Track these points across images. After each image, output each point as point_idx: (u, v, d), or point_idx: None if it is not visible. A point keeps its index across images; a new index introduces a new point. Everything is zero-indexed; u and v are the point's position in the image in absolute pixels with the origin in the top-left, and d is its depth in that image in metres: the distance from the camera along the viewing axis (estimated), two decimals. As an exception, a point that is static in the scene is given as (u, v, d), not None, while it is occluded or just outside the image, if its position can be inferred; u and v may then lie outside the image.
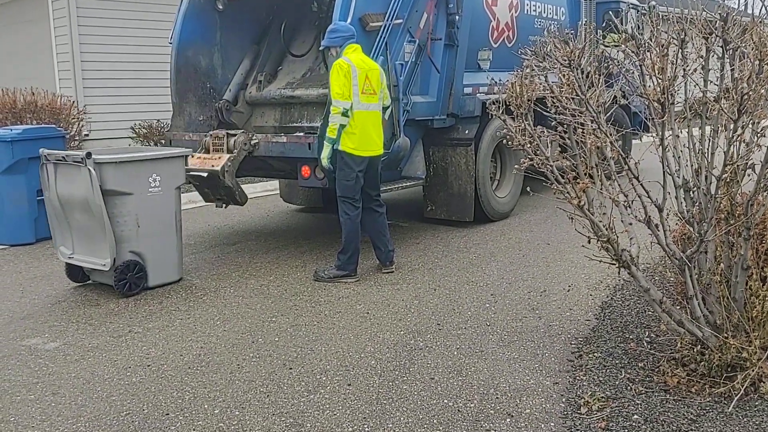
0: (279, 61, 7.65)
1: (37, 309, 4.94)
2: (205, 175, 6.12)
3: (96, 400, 3.61)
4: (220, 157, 6.17)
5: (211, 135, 6.44)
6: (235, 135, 6.31)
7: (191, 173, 6.05)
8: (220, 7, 7.28)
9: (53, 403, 3.59)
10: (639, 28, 10.17)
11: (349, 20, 5.90)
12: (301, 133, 6.41)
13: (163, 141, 9.06)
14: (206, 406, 3.51)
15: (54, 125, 8.85)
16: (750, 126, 3.29)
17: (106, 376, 3.90)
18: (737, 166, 3.31)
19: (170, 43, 7.12)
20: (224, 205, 6.52)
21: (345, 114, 5.39)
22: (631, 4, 10.79)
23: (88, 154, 5.00)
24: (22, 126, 8.35)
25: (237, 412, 3.44)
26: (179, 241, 5.61)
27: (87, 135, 11.71)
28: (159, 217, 5.41)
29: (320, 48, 6.56)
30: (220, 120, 7.40)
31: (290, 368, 3.94)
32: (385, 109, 5.87)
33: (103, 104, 12.13)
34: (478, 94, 7.48)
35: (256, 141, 6.27)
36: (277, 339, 4.39)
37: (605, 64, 5.36)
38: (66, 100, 11.06)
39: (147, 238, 5.32)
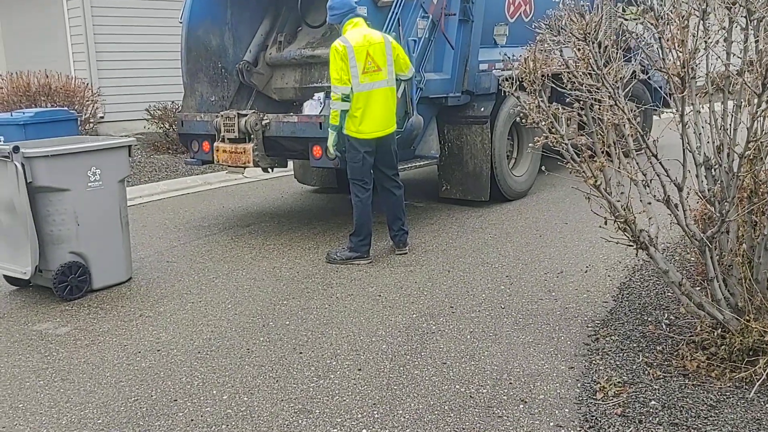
0: (298, 23, 7.56)
1: (48, 294, 4.93)
2: (243, 172, 6.56)
3: (105, 386, 3.58)
4: (244, 149, 6.19)
5: (221, 115, 6.38)
6: (245, 115, 6.24)
7: (229, 170, 6.57)
8: (231, -15, 7.19)
9: (62, 389, 3.57)
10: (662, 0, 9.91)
11: (360, -5, 5.76)
12: (321, 103, 6.36)
13: (176, 122, 9.01)
14: (215, 392, 3.47)
15: (67, 108, 8.84)
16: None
17: (115, 361, 3.88)
18: (761, 142, 3.16)
19: (180, 23, 7.04)
20: (270, 170, 6.80)
21: (345, 99, 5.27)
22: (652, -25, 10.49)
23: (15, 148, 4.58)
24: (34, 109, 8.35)
25: (245, 398, 3.40)
26: (126, 239, 5.22)
27: (102, 117, 11.71)
28: (101, 214, 5.00)
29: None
30: (241, 81, 7.39)
31: (300, 353, 3.89)
32: (401, 81, 5.72)
33: (117, 86, 12.10)
34: (494, 71, 7.31)
35: (267, 121, 6.19)
36: (287, 323, 4.34)
37: (624, 38, 5.19)
38: (80, 82, 11.05)
39: (89, 237, 4.92)
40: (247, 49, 7.47)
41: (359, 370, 3.65)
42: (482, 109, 7.15)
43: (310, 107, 6.67)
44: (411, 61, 5.99)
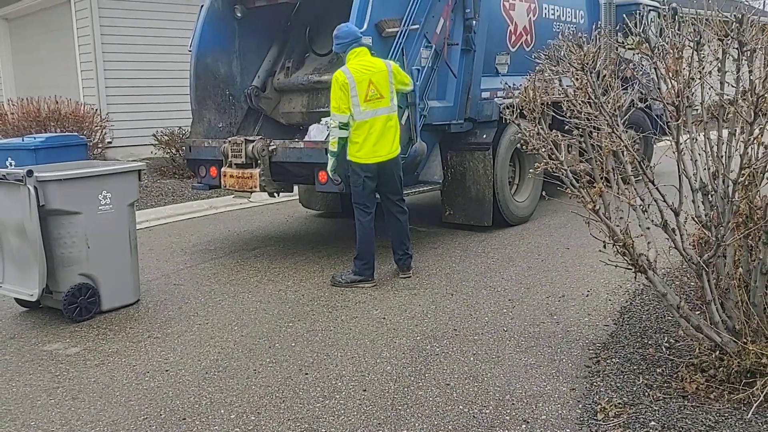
0: (306, 50, 7.73)
1: (58, 315, 5.01)
2: (249, 197, 6.74)
3: (114, 405, 3.65)
4: (251, 174, 6.30)
5: (229, 141, 6.51)
6: (253, 141, 6.37)
7: (236, 195, 6.69)
8: (239, 14, 7.37)
9: (73, 408, 3.64)
10: (660, 30, 10.09)
11: (365, 26, 5.92)
12: (327, 129, 6.49)
13: (183, 148, 9.15)
14: (222, 411, 3.54)
15: (77, 133, 9.00)
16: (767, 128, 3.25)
17: (124, 381, 3.95)
18: (755, 169, 3.26)
19: (190, 51, 7.21)
20: (276, 194, 6.95)
21: (343, 127, 5.41)
22: (651, 6, 10.69)
23: (29, 172, 4.69)
24: (45, 134, 8.50)
25: (253, 417, 3.46)
26: (135, 261, 5.31)
27: (110, 142, 11.88)
28: (111, 237, 5.10)
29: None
30: (249, 106, 7.56)
31: (306, 373, 3.96)
32: (404, 108, 5.85)
33: (125, 112, 12.31)
34: (495, 99, 7.45)
35: (274, 147, 6.32)
36: (293, 344, 4.41)
37: (623, 67, 5.33)
38: (89, 108, 11.24)
39: (99, 259, 5.01)
40: (255, 75, 7.64)
41: (364, 390, 3.72)
42: (484, 136, 7.28)
43: (317, 130, 6.80)
44: (415, 89, 6.14)
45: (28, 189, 4.70)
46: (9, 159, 7.39)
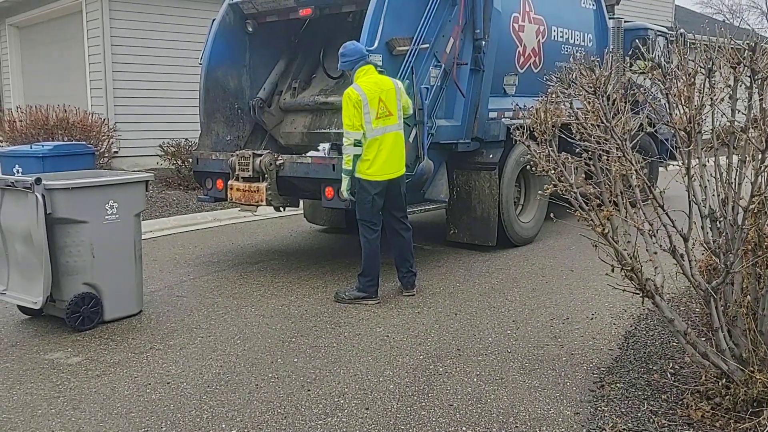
0: (313, 69, 7.75)
1: (60, 324, 5.00)
2: (255, 210, 6.73)
3: (115, 416, 3.63)
4: (257, 188, 6.32)
5: (237, 155, 6.53)
6: (260, 155, 6.39)
7: (242, 208, 6.71)
8: (250, 29, 7.42)
9: (74, 418, 3.61)
10: (667, 55, 10.13)
11: (375, 44, 5.95)
12: (325, 154, 6.49)
13: (190, 160, 9.18)
14: (224, 426, 3.51)
15: (84, 142, 9.03)
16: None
17: (126, 392, 3.93)
18: (765, 197, 3.26)
19: (200, 64, 7.25)
20: (282, 209, 6.89)
21: (357, 144, 5.42)
22: (659, 31, 10.75)
23: (38, 180, 4.69)
24: (53, 142, 8.53)
25: (254, 433, 3.44)
26: (139, 272, 5.30)
27: (116, 152, 11.92)
28: (116, 247, 5.08)
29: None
30: (252, 117, 7.53)
31: (308, 390, 3.93)
32: (413, 127, 5.86)
33: (132, 122, 12.36)
34: (503, 119, 7.48)
35: (282, 161, 6.33)
36: (296, 360, 4.39)
37: (632, 91, 5.36)
38: (97, 117, 11.29)
39: (103, 268, 5.00)
40: (261, 87, 7.65)
41: (367, 409, 3.69)
42: (491, 156, 7.29)
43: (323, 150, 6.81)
44: (423, 107, 6.17)
45: (36, 197, 4.70)
46: (16, 166, 7.41)
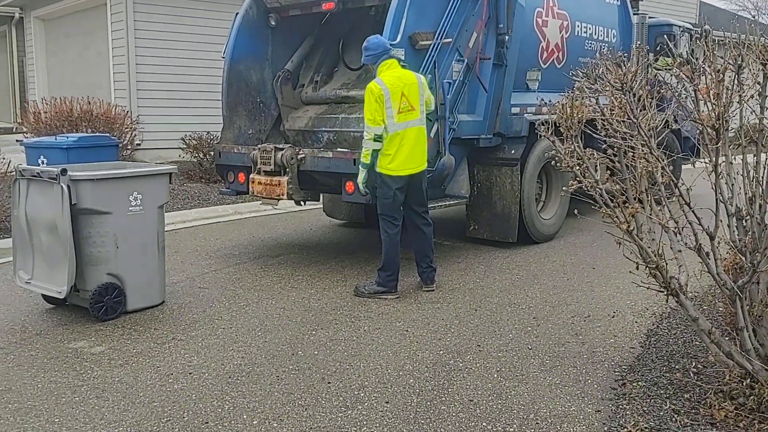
0: (335, 63, 7.74)
1: (84, 313, 5.06)
2: (276, 204, 6.72)
3: (138, 405, 3.67)
4: (279, 182, 6.35)
5: (259, 148, 6.56)
6: (282, 149, 6.41)
7: (263, 202, 6.69)
8: (273, 23, 7.42)
9: (97, 406, 3.66)
10: (692, 52, 10.01)
11: (398, 38, 5.94)
12: (347, 149, 6.48)
13: (212, 153, 9.23)
14: (245, 417, 3.54)
15: (108, 134, 9.11)
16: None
17: (148, 382, 3.97)
18: (794, 195, 3.21)
19: (223, 57, 7.27)
20: (303, 202, 6.98)
21: (377, 139, 5.41)
22: (684, 27, 10.62)
23: (63, 171, 4.75)
24: (77, 134, 8.62)
25: (275, 424, 3.46)
26: (162, 263, 5.34)
27: (139, 144, 12.02)
28: (140, 238, 5.13)
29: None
30: (272, 91, 7.52)
31: (328, 382, 3.95)
32: (434, 122, 5.83)
33: (155, 115, 12.46)
34: (525, 114, 7.44)
35: (303, 156, 6.35)
36: (316, 352, 4.41)
37: (657, 88, 5.31)
38: (120, 109, 11.39)
39: (126, 259, 5.05)
40: (288, 60, 7.61)
41: (387, 402, 3.70)
42: (513, 152, 7.25)
43: None
44: (445, 102, 6.15)
45: (61, 187, 4.76)
46: (41, 157, 7.51)
